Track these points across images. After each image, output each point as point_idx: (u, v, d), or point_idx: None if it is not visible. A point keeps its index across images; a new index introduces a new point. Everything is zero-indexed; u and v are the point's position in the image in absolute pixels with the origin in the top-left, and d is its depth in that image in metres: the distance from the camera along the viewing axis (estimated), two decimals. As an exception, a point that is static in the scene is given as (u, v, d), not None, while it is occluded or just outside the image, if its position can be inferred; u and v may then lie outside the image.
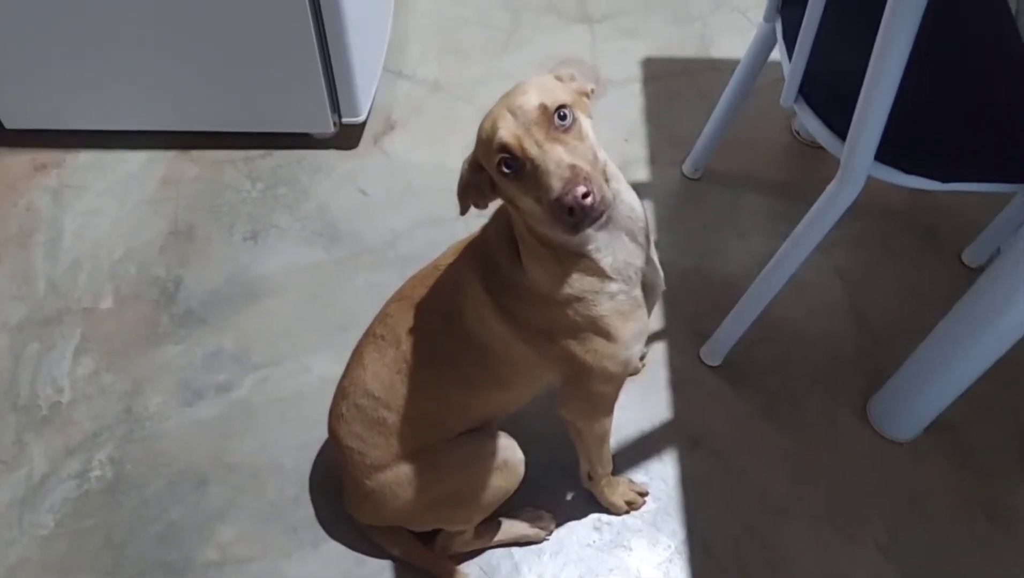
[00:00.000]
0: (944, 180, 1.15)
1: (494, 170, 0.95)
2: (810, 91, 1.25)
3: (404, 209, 1.75)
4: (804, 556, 1.33)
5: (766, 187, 1.81)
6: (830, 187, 1.21)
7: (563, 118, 0.93)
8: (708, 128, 1.74)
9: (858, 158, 1.14)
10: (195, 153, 1.82)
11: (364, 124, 1.86)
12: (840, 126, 1.18)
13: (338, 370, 1.49)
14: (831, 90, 1.23)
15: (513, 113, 0.93)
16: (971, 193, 1.18)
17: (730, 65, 2.02)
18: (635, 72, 2.03)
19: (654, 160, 1.85)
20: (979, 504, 1.38)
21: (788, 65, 1.28)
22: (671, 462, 1.42)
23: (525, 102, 0.92)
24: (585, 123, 0.97)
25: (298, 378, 1.51)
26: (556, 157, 0.90)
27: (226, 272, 1.64)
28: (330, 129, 1.79)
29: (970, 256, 1.66)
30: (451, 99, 1.96)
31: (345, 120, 1.78)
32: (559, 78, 1.00)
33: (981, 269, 1.65)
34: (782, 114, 1.93)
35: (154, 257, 1.66)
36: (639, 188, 1.79)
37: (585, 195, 0.87)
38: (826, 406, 1.49)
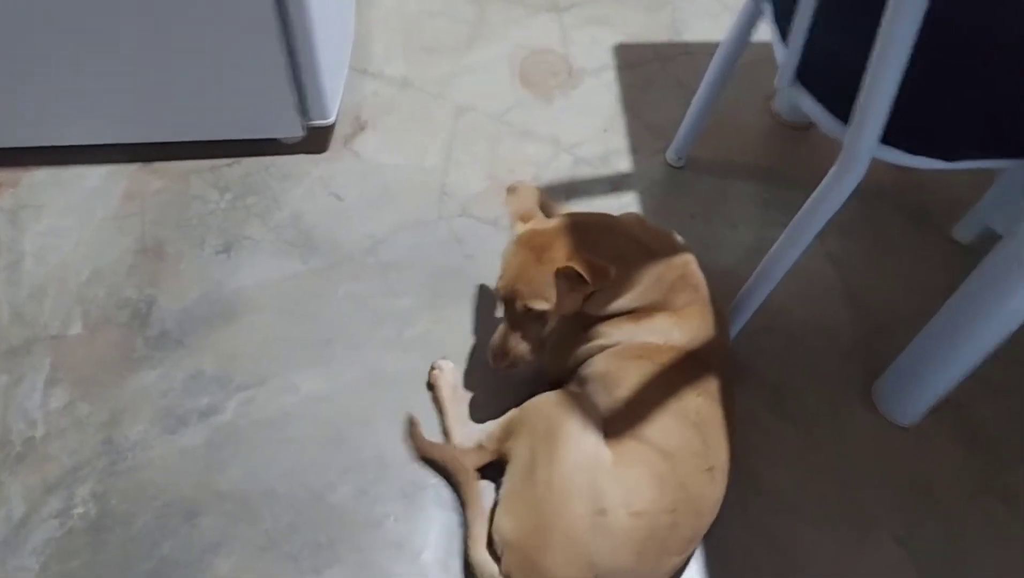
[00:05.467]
0: (949, 159, 1.13)
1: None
2: (807, 73, 1.21)
3: (382, 213, 1.69)
4: (819, 556, 1.31)
5: (751, 172, 1.78)
6: (832, 172, 1.18)
7: (529, 311, 1.26)
8: (690, 114, 1.70)
9: (862, 141, 1.11)
10: (158, 165, 1.74)
11: (333, 126, 1.80)
12: (839, 108, 1.15)
13: (325, 387, 1.44)
14: (830, 71, 1.19)
15: (517, 277, 1.26)
16: (963, 170, 1.16)
17: (703, 49, 2.00)
18: (608, 60, 1.99)
19: (636, 150, 1.81)
20: (991, 487, 1.37)
21: (781, 47, 1.25)
22: (677, 461, 1.39)
23: (523, 285, 1.25)
24: (552, 322, 1.29)
25: (284, 398, 1.44)
26: (500, 334, 1.32)
27: (200, 289, 1.57)
28: (299, 133, 1.72)
29: (960, 233, 1.65)
30: (421, 96, 1.90)
31: (313, 123, 1.71)
32: (566, 268, 1.22)
33: (972, 246, 1.64)
34: (761, 96, 1.91)
35: (123, 278, 1.58)
36: (623, 179, 1.76)
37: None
38: (830, 395, 1.47)
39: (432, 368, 1.46)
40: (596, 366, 1.31)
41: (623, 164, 1.79)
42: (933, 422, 1.43)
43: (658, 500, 1.17)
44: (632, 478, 1.18)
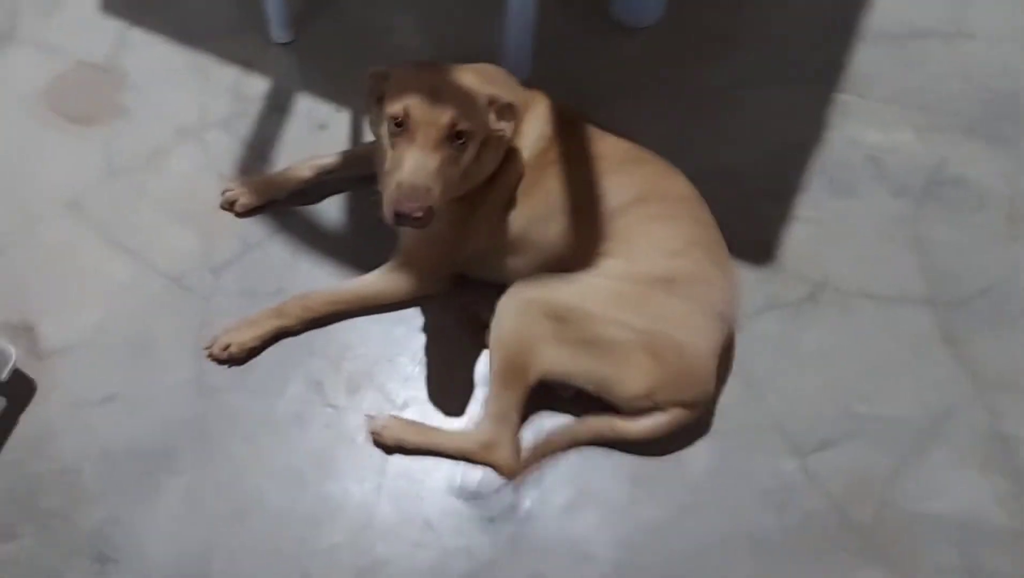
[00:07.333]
0: None
1: (383, 106, 1.06)
2: None
3: (158, 393, 1.23)
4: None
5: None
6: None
7: (459, 138, 1.03)
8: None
9: None
10: None
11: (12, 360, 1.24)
12: None
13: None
14: None
15: (434, 96, 1.02)
16: None
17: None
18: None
19: (247, 67, 1.54)
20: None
21: None
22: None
23: (447, 102, 1.02)
24: (470, 152, 1.07)
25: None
26: (416, 166, 1.00)
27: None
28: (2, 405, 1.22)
29: None
30: (21, 238, 1.36)
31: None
32: (495, 103, 1.09)
33: None
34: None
35: None
36: (274, 97, 1.49)
37: (401, 215, 0.99)
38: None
39: (375, 432, 1.18)
40: (518, 219, 1.20)
41: (252, 86, 1.51)
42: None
43: (679, 217, 1.18)
44: (645, 238, 1.16)
